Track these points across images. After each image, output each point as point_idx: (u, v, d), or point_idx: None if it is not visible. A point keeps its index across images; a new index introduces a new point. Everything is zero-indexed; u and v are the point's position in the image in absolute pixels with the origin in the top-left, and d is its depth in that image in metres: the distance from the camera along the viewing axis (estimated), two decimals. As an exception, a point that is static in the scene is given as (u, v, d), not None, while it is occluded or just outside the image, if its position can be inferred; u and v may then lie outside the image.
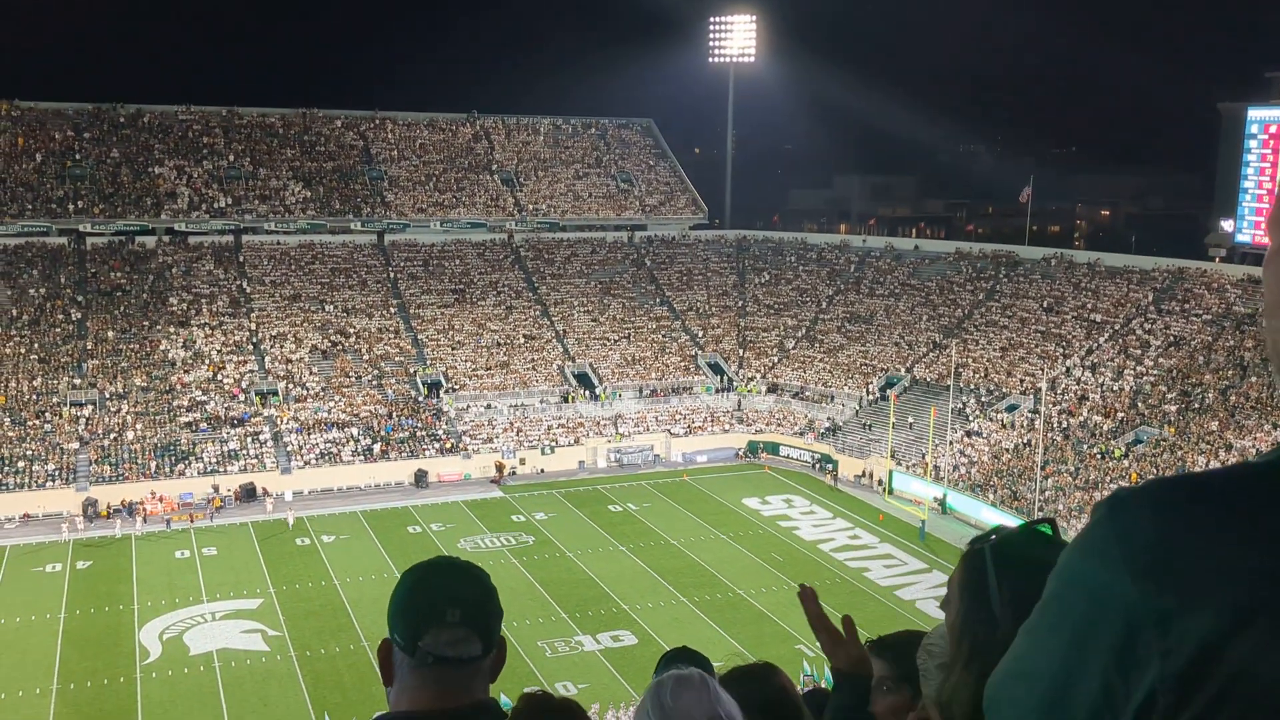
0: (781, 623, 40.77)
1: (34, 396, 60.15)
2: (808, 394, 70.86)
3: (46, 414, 58.99)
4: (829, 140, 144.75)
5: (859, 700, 3.09)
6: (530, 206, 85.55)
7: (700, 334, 77.39)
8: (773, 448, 66.55)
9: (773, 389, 71.99)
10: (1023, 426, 59.81)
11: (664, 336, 76.29)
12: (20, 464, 55.44)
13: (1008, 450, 58.60)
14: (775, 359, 74.82)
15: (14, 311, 65.93)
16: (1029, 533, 1.79)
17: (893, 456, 60.18)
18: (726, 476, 62.54)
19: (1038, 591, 1.24)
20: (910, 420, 63.40)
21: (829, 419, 67.51)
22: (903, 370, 69.65)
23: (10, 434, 57.14)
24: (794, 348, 75.64)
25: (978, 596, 1.77)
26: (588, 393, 69.06)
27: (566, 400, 68.22)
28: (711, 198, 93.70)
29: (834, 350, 74.07)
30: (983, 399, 64.13)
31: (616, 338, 75.16)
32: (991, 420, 61.79)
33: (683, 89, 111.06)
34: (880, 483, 59.88)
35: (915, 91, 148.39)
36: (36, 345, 63.88)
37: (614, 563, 47.69)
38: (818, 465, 63.84)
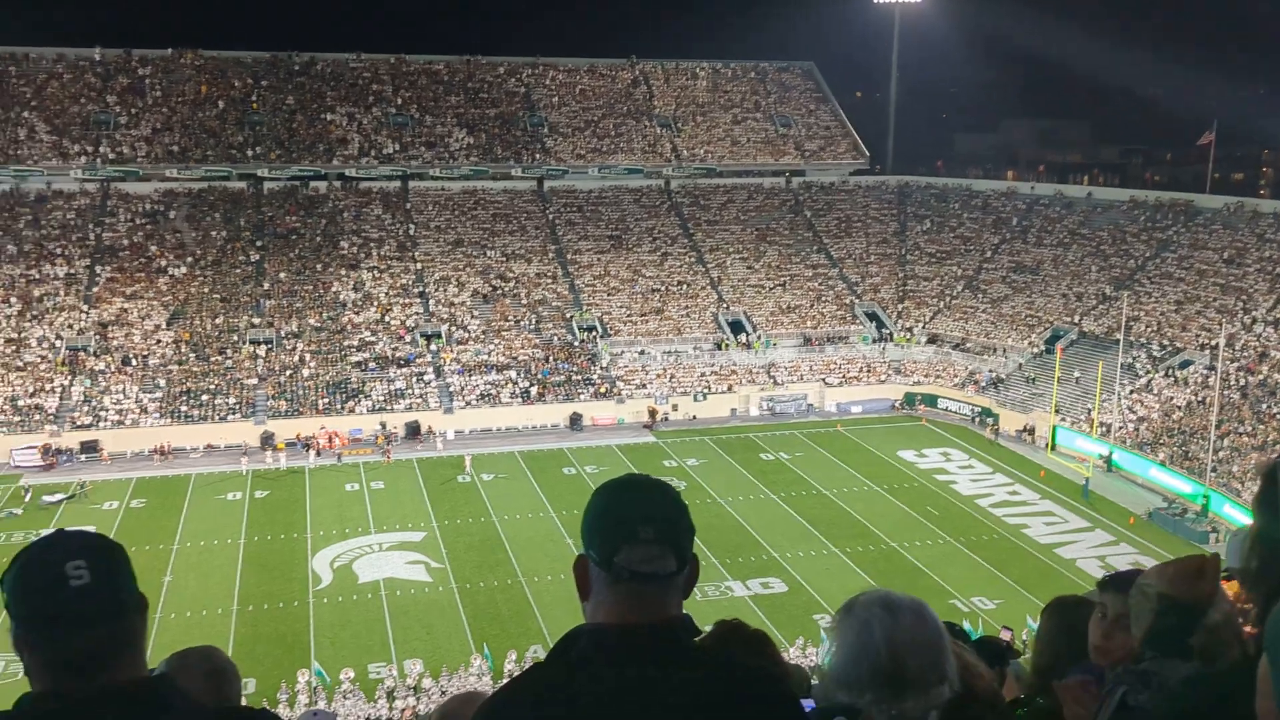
0: (936, 577, 40.22)
1: (216, 334, 63.55)
2: (969, 346, 69.10)
3: (228, 351, 62.28)
4: (997, 83, 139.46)
5: None
6: (687, 152, 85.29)
7: (858, 282, 76.14)
8: (930, 400, 65.26)
9: (932, 340, 70.44)
10: (1197, 384, 57.04)
11: (820, 284, 75.37)
12: (204, 397, 58.78)
13: (1180, 408, 56.03)
14: (936, 309, 73.12)
15: (198, 252, 69.60)
16: None
17: (1057, 412, 58.26)
18: (882, 428, 61.70)
19: None
20: (1076, 375, 61.19)
21: (990, 372, 65.72)
22: (1070, 323, 67.14)
23: (195, 369, 60.58)
24: (956, 298, 73.74)
25: (1269, 508, 1.76)
26: (742, 340, 68.89)
27: (720, 348, 68.25)
28: (873, 142, 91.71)
29: (998, 301, 71.90)
30: (1155, 354, 61.35)
31: (772, 285, 74.62)
32: (1164, 376, 59.12)
33: (846, 30, 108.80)
34: (1043, 438, 58.13)
35: (1090, 31, 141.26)
36: (218, 285, 67.36)
37: (765, 511, 47.76)
38: (977, 419, 62.32)
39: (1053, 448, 56.73)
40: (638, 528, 2.39)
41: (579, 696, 2.30)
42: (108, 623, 2.27)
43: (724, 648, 3.43)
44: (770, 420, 63.29)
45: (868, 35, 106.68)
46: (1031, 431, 59.51)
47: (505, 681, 2.50)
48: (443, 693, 30.78)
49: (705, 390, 64.46)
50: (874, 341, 70.20)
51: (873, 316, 72.95)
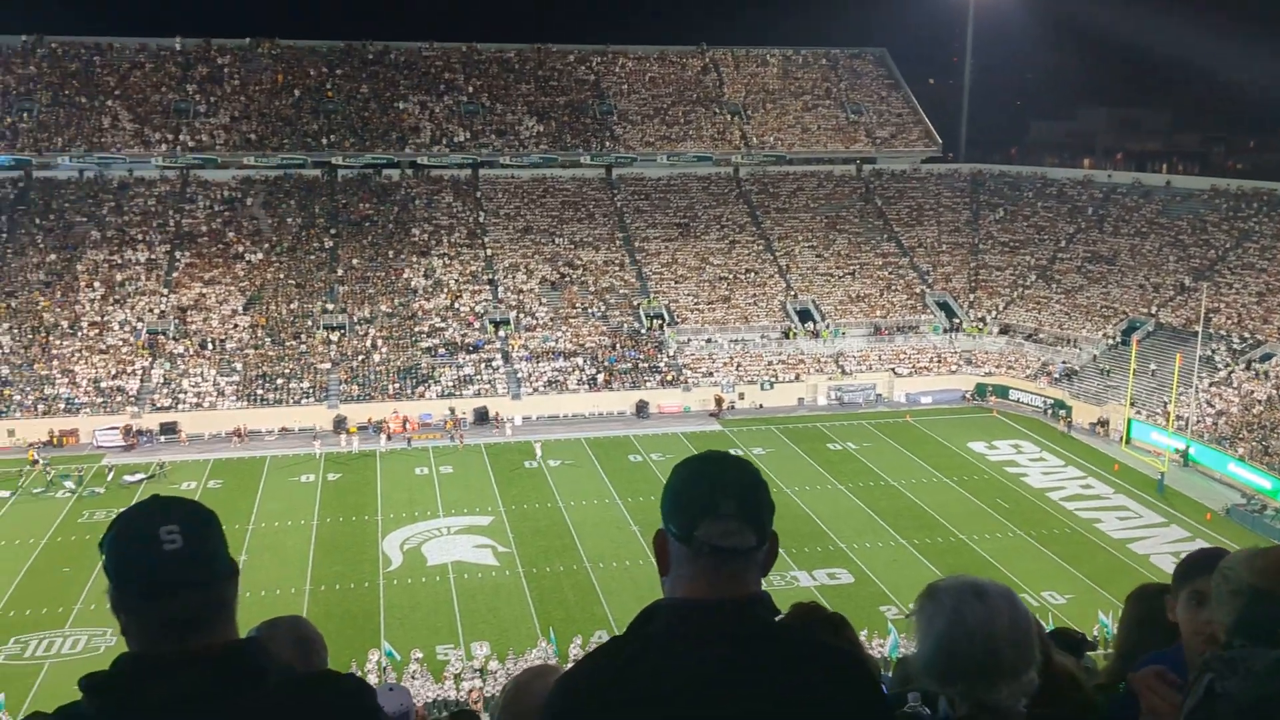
0: (1005, 570, 39.74)
1: (291, 319, 64.75)
2: (1042, 336, 68.00)
3: (302, 336, 63.43)
4: (1074, 69, 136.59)
5: None
6: (757, 139, 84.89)
7: (929, 271, 75.28)
8: (1002, 391, 64.38)
9: (1004, 330, 69.44)
10: (1278, 377, 55.61)
11: (890, 273, 74.65)
12: (279, 381, 59.96)
13: (1260, 402, 54.62)
14: (1008, 299, 72.04)
15: (274, 239, 70.94)
16: None
17: (1132, 404, 57.14)
18: (952, 419, 61.03)
19: None
20: (1153, 367, 59.93)
21: (1064, 363, 64.62)
22: (1147, 314, 65.75)
23: (270, 353, 61.81)
24: (1029, 288, 72.58)
25: None
26: (810, 329, 68.51)
27: (788, 336, 67.95)
28: (946, 130, 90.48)
29: (1072, 291, 70.63)
30: (1235, 346, 59.87)
31: (841, 274, 74.09)
32: (1244, 369, 57.67)
33: (919, 16, 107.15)
34: (1117, 431, 57.07)
35: (1171, 14, 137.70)
36: (293, 271, 68.61)
37: (832, 501, 47.55)
38: (1050, 411, 61.37)
39: (1127, 441, 55.67)
40: (718, 502, 2.39)
41: (658, 671, 2.30)
42: (199, 587, 2.33)
43: (803, 628, 3.42)
44: (838, 410, 62.92)
45: (941, 21, 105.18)
46: (1105, 424, 58.47)
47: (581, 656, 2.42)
48: (508, 675, 31.16)
49: (772, 379, 64.26)
50: (945, 331, 69.40)
51: (944, 306, 72.10)
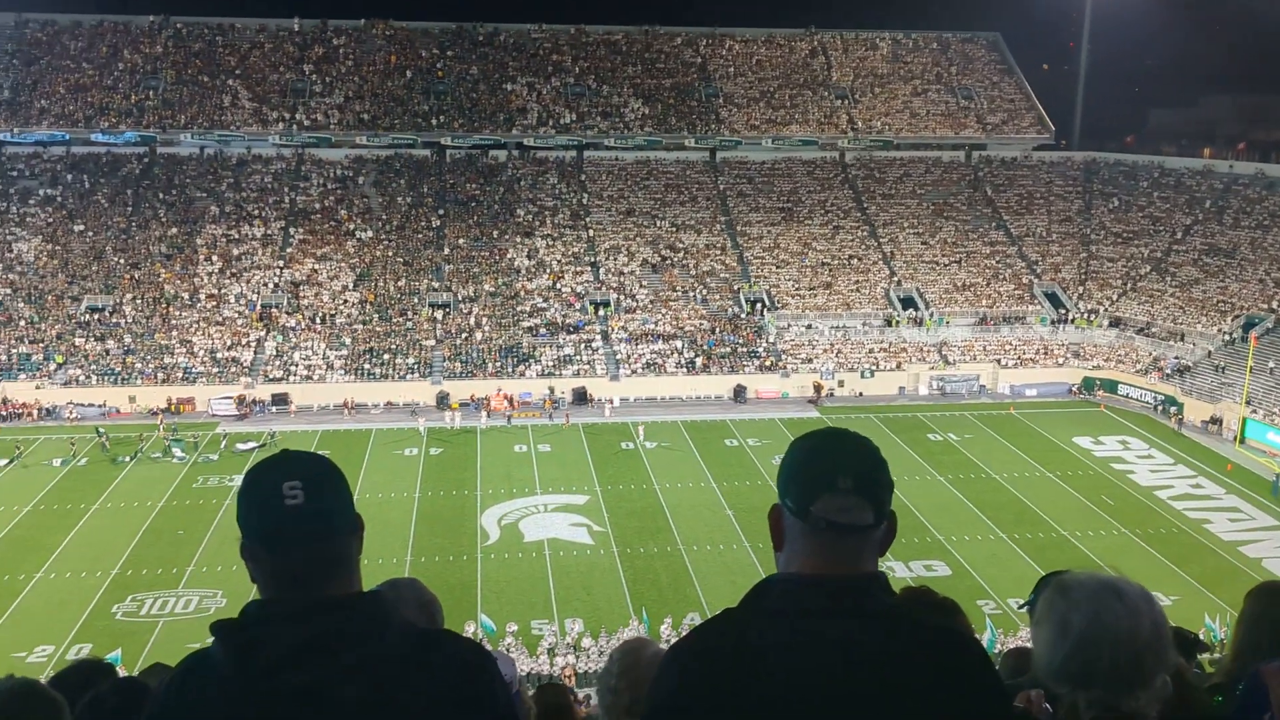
0: (1109, 569, 38.76)
1: (398, 296, 66.19)
2: (1154, 330, 66.03)
3: (408, 313, 64.81)
4: (1196, 54, 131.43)
5: None
6: (864, 124, 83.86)
7: (1038, 261, 73.61)
8: (1110, 385, 62.76)
9: (1115, 323, 67.60)
10: None
11: (998, 262, 73.19)
12: (385, 356, 61.39)
13: (1389, 405, 52.36)
14: (1120, 291, 70.08)
15: (384, 217, 72.51)
16: None
17: (1248, 403, 55.23)
18: (1057, 413, 59.73)
19: None
20: (1271, 365, 57.79)
21: (1177, 358, 62.69)
22: (1267, 310, 63.36)
23: (378, 329, 63.30)
24: (1142, 280, 70.49)
25: None
26: (913, 317, 67.61)
27: (890, 324, 67.17)
28: (1059, 116, 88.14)
29: (1187, 285, 68.40)
30: (1363, 347, 57.42)
31: (947, 262, 72.90)
32: (1372, 371, 55.28)
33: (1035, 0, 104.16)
34: (1231, 430, 55.23)
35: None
36: (402, 249, 70.08)
37: (931, 492, 46.99)
38: (1160, 407, 59.64)
39: (1241, 440, 53.85)
40: (837, 477, 2.37)
41: (770, 646, 2.29)
42: (318, 542, 2.39)
43: (920, 610, 3.33)
44: (940, 400, 62.07)
45: (1058, 4, 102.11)
46: (1218, 423, 56.61)
47: (695, 626, 2.46)
48: (601, 653, 31.61)
49: (873, 367, 63.62)
50: (1052, 323, 67.85)
51: (1052, 297, 70.46)
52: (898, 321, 67.23)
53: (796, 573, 2.41)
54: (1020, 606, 31.70)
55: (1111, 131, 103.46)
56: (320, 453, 2.51)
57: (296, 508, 2.35)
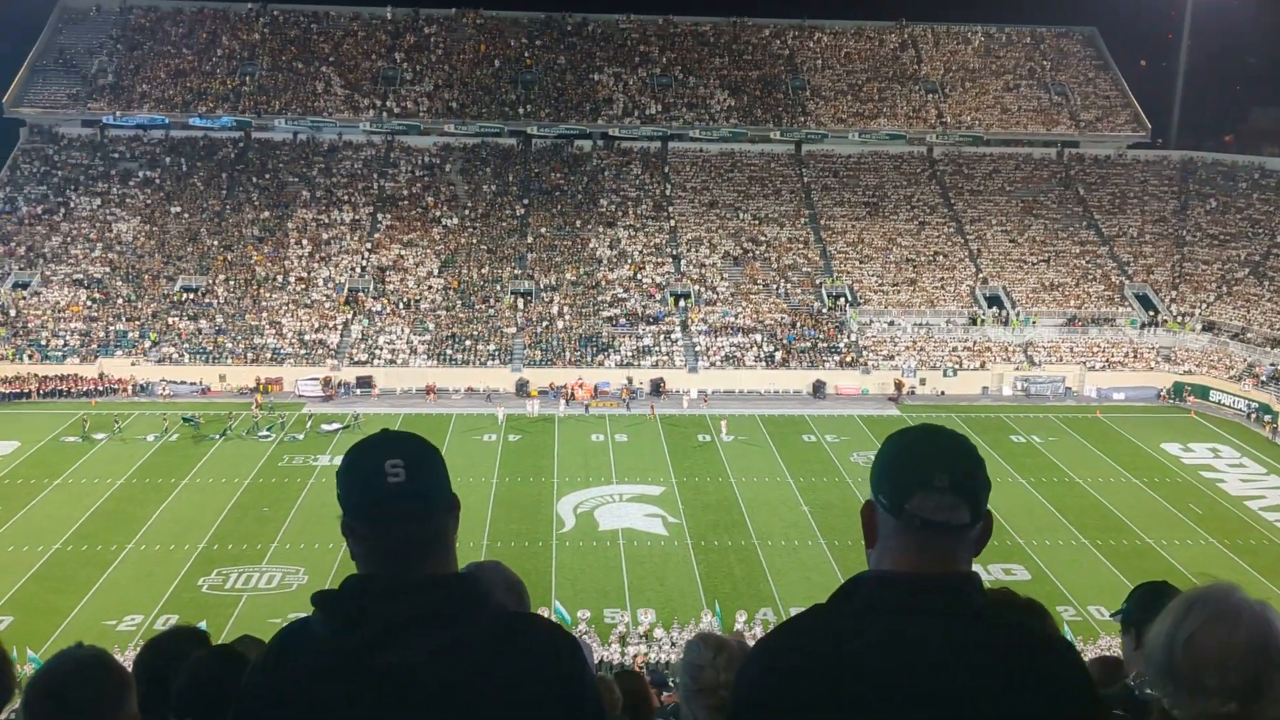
0: (1194, 579, 37.90)
1: (481, 283, 66.94)
2: (1250, 336, 64.07)
3: (491, 300, 65.52)
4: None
5: None
6: (953, 118, 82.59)
7: (1129, 262, 71.87)
8: (1202, 391, 61.05)
9: (1208, 328, 65.74)
10: None
11: (1088, 262, 71.62)
12: (467, 343, 62.15)
13: None
14: (1215, 295, 68.13)
15: (469, 205, 73.35)
16: None
17: (1349, 414, 53.37)
18: (1145, 418, 58.31)
19: None
20: (1376, 375, 55.80)
21: (1273, 365, 60.77)
22: (1373, 318, 61.15)
23: (461, 315, 64.11)
24: (1238, 284, 68.42)
25: None
26: (998, 316, 66.49)
27: (974, 323, 66.13)
28: (1155, 114, 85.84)
29: (1288, 290, 66.27)
30: None
31: (1035, 261, 71.54)
32: None
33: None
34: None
35: None
36: (486, 237, 70.84)
37: (1012, 495, 46.22)
38: (1254, 415, 57.88)
39: (1341, 453, 52.06)
40: (933, 475, 2.33)
41: (861, 643, 2.27)
42: (418, 520, 2.43)
43: (1011, 611, 3.26)
44: (1024, 401, 60.99)
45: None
46: (1317, 433, 54.81)
47: (780, 621, 2.49)
48: (673, 644, 31.72)
49: (956, 366, 62.73)
50: (1142, 326, 66.22)
51: (1143, 299, 68.77)
52: (983, 320, 66.17)
53: (889, 570, 2.39)
54: (1111, 615, 31.01)
55: (1210, 130, 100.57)
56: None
57: (398, 485, 2.39)
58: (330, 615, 2.39)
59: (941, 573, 2.34)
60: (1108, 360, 63.66)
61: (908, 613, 2.29)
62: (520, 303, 65.39)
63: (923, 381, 61.76)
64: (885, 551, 2.40)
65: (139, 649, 4.07)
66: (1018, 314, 66.63)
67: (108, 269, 66.01)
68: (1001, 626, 2.32)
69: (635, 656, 30.79)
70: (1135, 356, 64.00)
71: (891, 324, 65.71)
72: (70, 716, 2.78)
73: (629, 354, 62.10)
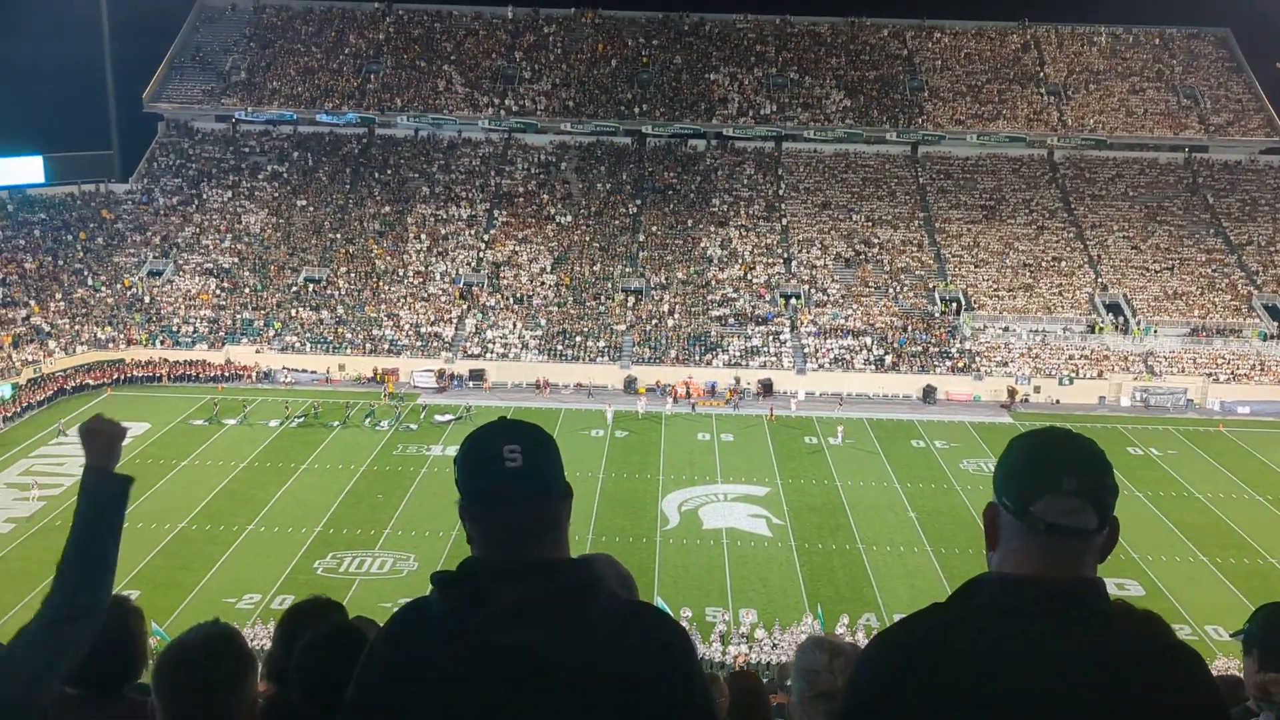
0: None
1: (593, 280, 67.73)
2: (1389, 352, 61.25)
3: (601, 297, 66.25)
4: None
5: None
6: (1075, 121, 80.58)
7: (1258, 272, 69.26)
8: (1335, 408, 58.57)
9: (1344, 341, 63.02)
10: None
11: (1214, 271, 69.24)
12: (577, 339, 62.97)
13: None
14: (1352, 308, 65.26)
15: (583, 203, 74.25)
16: None
17: None
18: (1272, 433, 56.13)
19: None
20: None
21: None
22: None
23: (572, 311, 64.98)
24: (1379, 297, 65.45)
25: None
26: (1118, 324, 64.75)
27: (1093, 330, 64.51)
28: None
29: None
30: None
31: (1158, 268, 69.44)
32: None
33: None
34: None
35: None
36: (599, 235, 71.63)
37: (1127, 508, 44.99)
38: (1391, 435, 55.35)
39: None
40: (1061, 478, 2.31)
41: (982, 643, 2.25)
42: (534, 504, 2.49)
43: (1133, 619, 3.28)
44: (1142, 413, 59.29)
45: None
46: None
47: (898, 619, 2.48)
48: (774, 645, 31.82)
49: (1072, 374, 61.30)
50: (1270, 338, 63.76)
51: (1272, 310, 66.20)
52: (1102, 328, 64.52)
53: (1011, 573, 2.35)
54: (1231, 635, 30.11)
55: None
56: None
57: (515, 470, 2.46)
58: (449, 595, 2.44)
59: (1066, 578, 2.31)
60: (1233, 372, 61.50)
61: (1030, 616, 2.26)
62: (631, 300, 65.98)
63: (1037, 389, 60.51)
64: (1008, 554, 2.37)
65: (281, 615, 4.30)
66: (1138, 323, 64.80)
67: (236, 259, 68.61)
68: (1128, 634, 2.27)
69: (736, 656, 30.95)
70: (1262, 369, 61.71)
71: (1006, 330, 64.51)
72: (197, 689, 2.91)
73: (737, 354, 62.18)
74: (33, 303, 61.99)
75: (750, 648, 31.86)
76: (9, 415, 51.87)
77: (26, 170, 70.94)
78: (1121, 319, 65.31)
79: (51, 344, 59.71)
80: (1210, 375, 61.30)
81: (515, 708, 2.32)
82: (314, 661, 3.48)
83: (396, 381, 59.68)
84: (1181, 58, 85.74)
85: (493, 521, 2.49)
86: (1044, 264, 69.72)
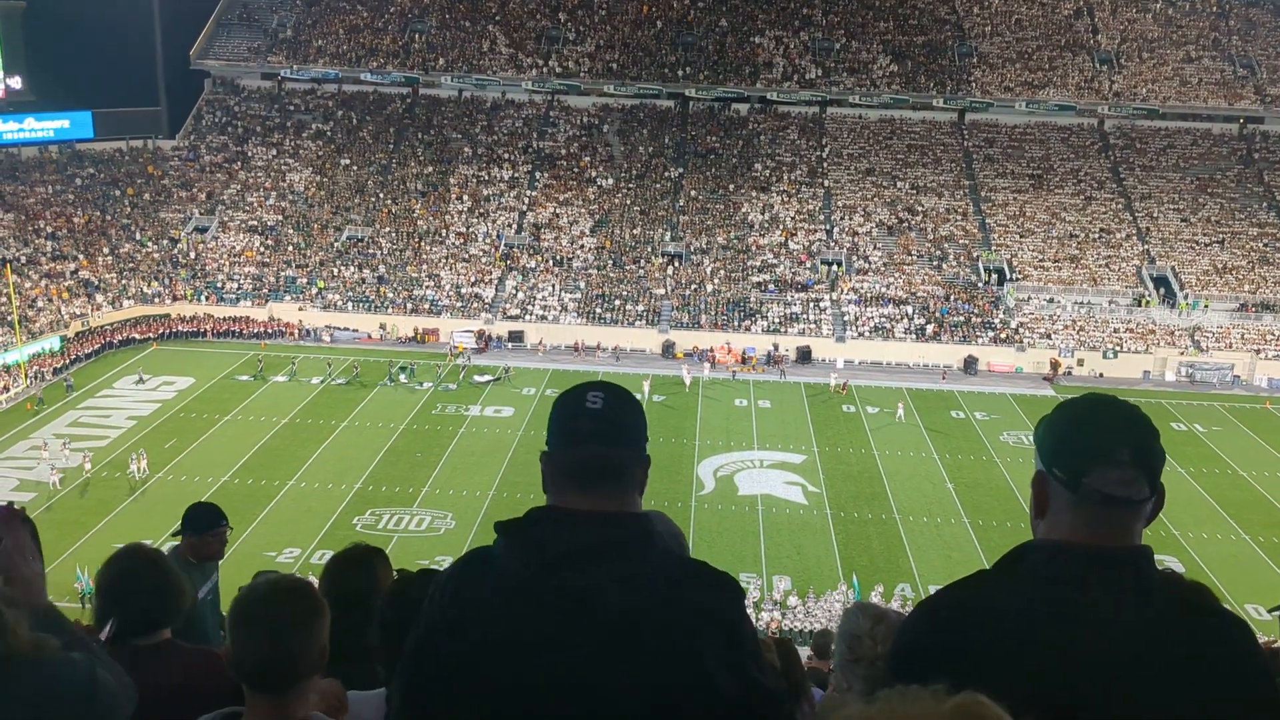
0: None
1: (633, 244, 67.59)
2: None
3: (641, 261, 66.13)
4: None
5: None
6: (1127, 90, 79.06)
7: (1313, 247, 67.92)
8: (1386, 387, 57.53)
9: (1398, 320, 61.76)
10: None
11: (1266, 245, 67.95)
12: (616, 302, 62.96)
13: None
14: None
15: (625, 166, 73.96)
16: None
17: None
18: (1320, 411, 55.33)
19: None
20: None
21: None
22: None
23: (611, 275, 64.93)
24: None
25: None
26: (1165, 298, 63.79)
27: (1139, 304, 63.61)
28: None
29: None
30: None
31: (1208, 242, 68.25)
32: None
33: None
34: None
35: None
36: (639, 198, 71.39)
37: (1170, 484, 41.62)
38: None
39: None
40: (1114, 449, 2.30)
41: (1032, 609, 2.27)
42: (606, 443, 2.54)
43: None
44: (1187, 388, 58.53)
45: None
46: None
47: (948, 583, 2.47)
48: (808, 613, 31.91)
49: (1116, 347, 60.54)
50: (1324, 315, 62.63)
51: (1327, 287, 64.96)
52: (1148, 301, 63.61)
53: (1060, 540, 2.35)
54: (1269, 612, 29.81)
55: None
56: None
57: (595, 410, 2.55)
58: (512, 540, 2.49)
59: (1116, 546, 2.32)
60: (1282, 349, 60.53)
61: (1080, 583, 2.27)
62: (670, 265, 65.81)
63: (1080, 362, 59.85)
64: (1057, 523, 2.36)
65: (326, 562, 4.46)
66: (1186, 297, 63.82)
67: (280, 217, 69.08)
68: (1176, 601, 2.29)
69: (769, 623, 31.07)
70: (1313, 347, 60.67)
71: (1050, 301, 63.76)
72: (272, 636, 2.91)
73: (776, 320, 61.94)
74: (81, 256, 62.83)
75: (784, 614, 31.97)
76: (58, 367, 52.75)
77: (75, 125, 71.71)
78: (1169, 293, 64.33)
79: (99, 298, 60.54)
80: (1258, 351, 60.35)
81: (574, 651, 2.35)
82: (398, 606, 3.51)
83: (436, 341, 60.02)
84: (1240, 27, 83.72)
85: (568, 459, 2.54)
86: (1091, 235, 68.74)
